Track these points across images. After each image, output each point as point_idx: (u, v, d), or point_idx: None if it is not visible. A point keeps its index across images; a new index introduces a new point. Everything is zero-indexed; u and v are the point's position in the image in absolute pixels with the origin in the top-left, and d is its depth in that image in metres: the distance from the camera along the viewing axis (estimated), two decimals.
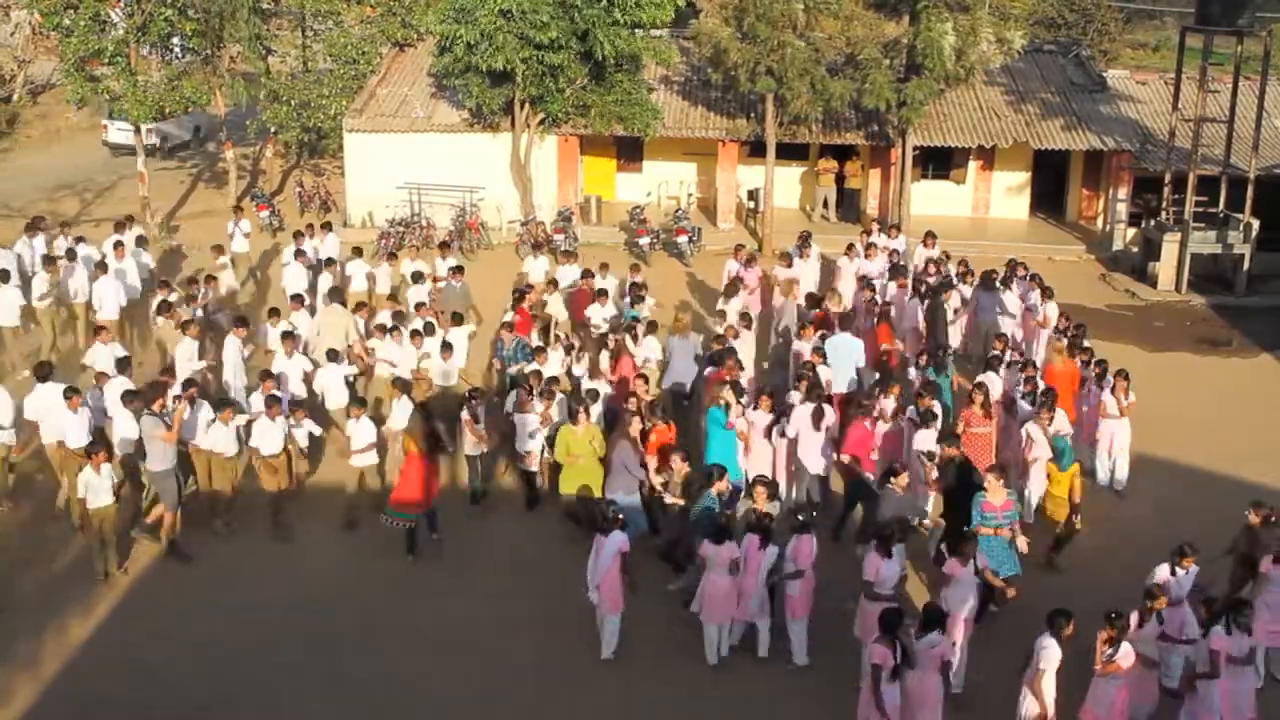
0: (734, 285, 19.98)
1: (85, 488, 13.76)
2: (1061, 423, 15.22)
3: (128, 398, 14.97)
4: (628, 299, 19.68)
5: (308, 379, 17.12)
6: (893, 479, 13.61)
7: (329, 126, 30.97)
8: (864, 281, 20.52)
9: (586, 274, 20.64)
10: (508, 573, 14.36)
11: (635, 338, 17.58)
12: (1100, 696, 10.92)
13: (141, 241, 22.57)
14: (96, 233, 25.03)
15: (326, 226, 23.54)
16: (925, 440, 14.88)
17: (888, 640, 10.66)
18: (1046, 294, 19.72)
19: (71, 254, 20.44)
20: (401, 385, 16.06)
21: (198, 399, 15.22)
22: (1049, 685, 10.69)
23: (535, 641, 13.00)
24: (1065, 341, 17.84)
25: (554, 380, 16.12)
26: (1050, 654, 10.65)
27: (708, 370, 17.00)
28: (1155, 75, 33.39)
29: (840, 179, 30.42)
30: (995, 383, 16.64)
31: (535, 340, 18.08)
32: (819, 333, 17.88)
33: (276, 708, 12.10)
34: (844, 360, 17.39)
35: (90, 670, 12.59)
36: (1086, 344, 17.96)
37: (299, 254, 21.15)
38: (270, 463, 14.94)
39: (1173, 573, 12.07)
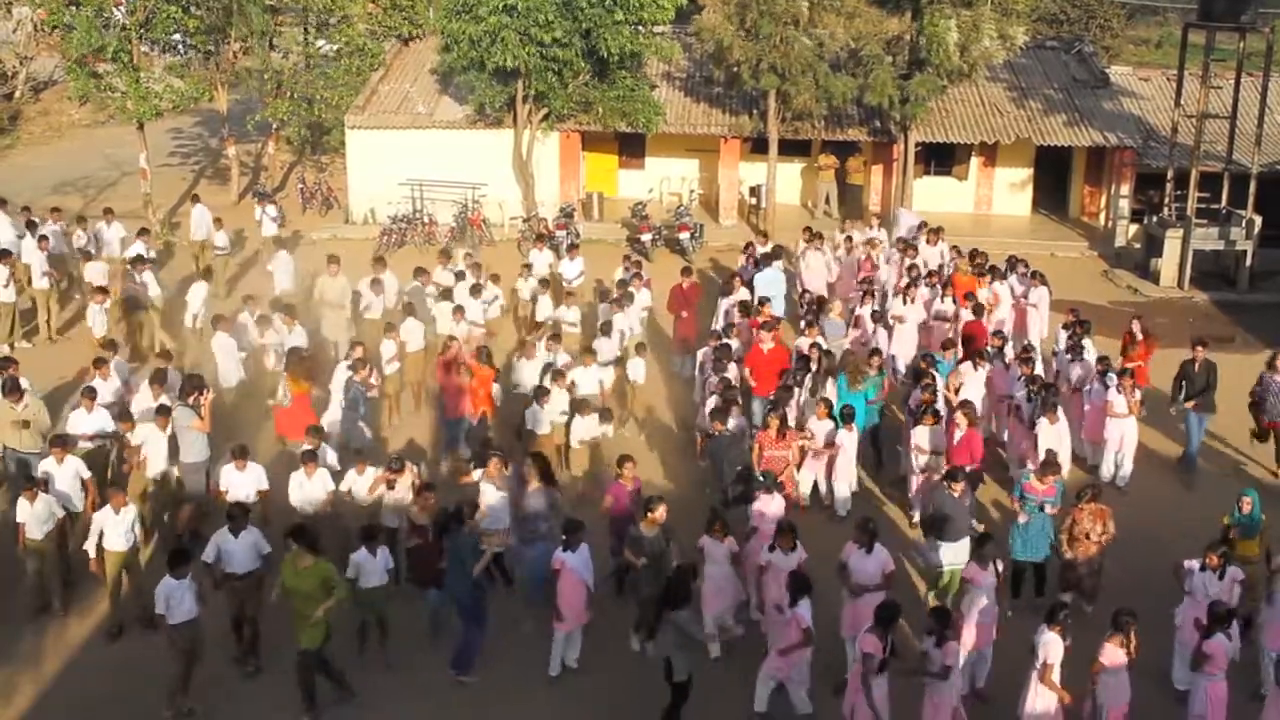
0: (730, 284, 20.10)
1: (22, 515, 13.02)
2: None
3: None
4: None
5: None
6: (952, 483, 13.12)
7: (332, 120, 30.93)
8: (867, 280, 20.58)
9: (686, 271, 20.87)
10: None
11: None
12: (1119, 689, 10.93)
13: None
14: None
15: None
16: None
17: (880, 631, 10.65)
18: (995, 275, 20.11)
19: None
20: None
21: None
22: (1056, 677, 10.75)
23: (536, 641, 12.97)
24: (968, 259, 20.81)
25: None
26: (1055, 648, 10.72)
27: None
28: (1158, 71, 33.39)
29: (841, 175, 30.39)
30: (971, 378, 16.60)
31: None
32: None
33: (277, 708, 12.11)
34: (772, 291, 19.45)
35: (90, 670, 12.61)
36: (1087, 343, 17.93)
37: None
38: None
39: (1202, 568, 12.00)
